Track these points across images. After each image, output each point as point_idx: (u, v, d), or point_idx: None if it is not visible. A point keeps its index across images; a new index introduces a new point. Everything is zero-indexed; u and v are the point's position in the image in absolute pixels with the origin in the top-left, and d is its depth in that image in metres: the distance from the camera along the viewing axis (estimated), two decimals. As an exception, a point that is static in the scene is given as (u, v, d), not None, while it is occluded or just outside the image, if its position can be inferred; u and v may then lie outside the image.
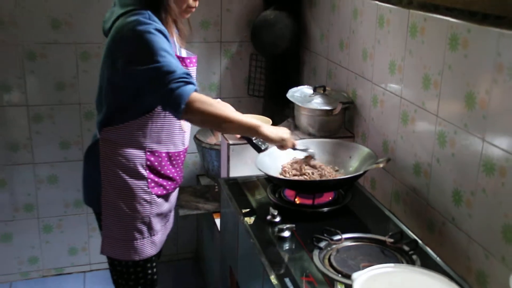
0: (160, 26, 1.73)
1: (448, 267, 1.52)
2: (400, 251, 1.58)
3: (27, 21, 2.66)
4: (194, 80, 1.72)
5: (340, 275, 1.46)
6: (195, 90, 1.67)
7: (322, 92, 2.37)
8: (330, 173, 1.96)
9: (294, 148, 1.93)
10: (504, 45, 1.45)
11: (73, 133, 2.90)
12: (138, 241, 1.91)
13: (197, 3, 1.85)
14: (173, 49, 1.79)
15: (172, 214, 2.12)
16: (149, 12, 1.74)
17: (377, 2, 2.11)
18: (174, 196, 2.07)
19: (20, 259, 3.02)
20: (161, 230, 2.00)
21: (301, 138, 2.26)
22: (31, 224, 2.98)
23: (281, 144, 1.87)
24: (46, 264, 3.07)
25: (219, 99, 2.09)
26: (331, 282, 1.43)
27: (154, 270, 2.05)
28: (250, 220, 1.79)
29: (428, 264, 1.52)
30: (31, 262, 3.04)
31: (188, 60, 1.89)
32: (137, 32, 1.68)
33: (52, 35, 2.71)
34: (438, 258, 1.56)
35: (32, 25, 2.68)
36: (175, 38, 1.89)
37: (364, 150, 2.02)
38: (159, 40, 1.68)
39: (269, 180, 1.96)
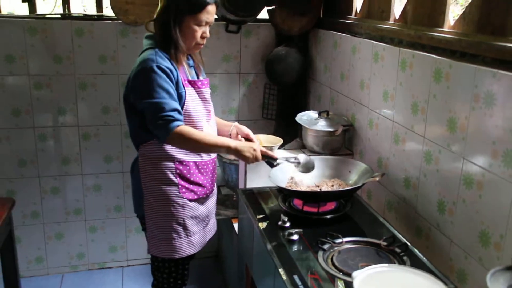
0: (166, 63, 1.75)
1: (433, 267, 1.51)
2: (392, 253, 1.57)
3: (81, 57, 2.70)
4: (180, 116, 1.75)
5: (341, 273, 1.45)
6: (179, 125, 1.72)
7: (326, 116, 2.37)
8: (341, 184, 1.97)
9: (271, 159, 1.88)
10: (479, 78, 1.46)
11: (115, 149, 2.92)
12: (176, 240, 1.91)
13: (204, 41, 1.85)
14: (183, 77, 1.82)
15: (213, 221, 2.10)
16: (157, 50, 1.77)
17: (372, 41, 2.12)
18: (211, 202, 2.05)
19: (70, 254, 3.03)
20: (199, 233, 1.98)
21: (308, 155, 2.26)
22: (79, 225, 2.99)
23: (253, 155, 1.82)
24: (91, 259, 3.08)
25: (236, 123, 2.11)
26: (334, 279, 1.43)
27: (187, 267, 2.04)
28: (263, 225, 1.79)
29: (416, 264, 1.51)
30: (79, 257, 3.05)
31: (200, 83, 1.90)
32: (142, 69, 1.73)
33: (100, 68, 2.75)
34: (425, 259, 1.55)
35: (84, 60, 2.71)
36: (186, 67, 1.88)
37: (362, 166, 2.01)
38: (157, 78, 1.72)
39: (280, 191, 1.96)
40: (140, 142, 1.88)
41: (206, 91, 1.93)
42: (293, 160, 1.95)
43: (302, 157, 1.97)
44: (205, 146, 1.79)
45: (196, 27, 1.78)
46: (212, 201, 2.06)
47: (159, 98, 1.70)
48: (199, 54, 1.98)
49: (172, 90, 1.75)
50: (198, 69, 1.97)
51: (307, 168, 1.96)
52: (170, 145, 1.80)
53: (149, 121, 1.75)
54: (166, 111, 1.70)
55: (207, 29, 1.83)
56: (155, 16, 1.83)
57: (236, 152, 1.81)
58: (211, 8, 1.78)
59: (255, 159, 1.84)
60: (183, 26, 1.78)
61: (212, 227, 2.10)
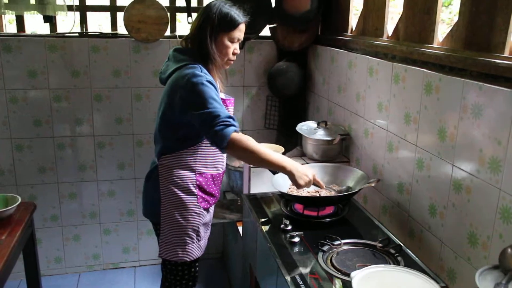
0: (209, 77, 1.73)
1: (425, 266, 1.51)
2: (387, 254, 1.57)
3: (96, 72, 2.72)
4: (235, 122, 1.69)
5: (340, 273, 1.45)
6: (235, 131, 1.65)
7: (324, 126, 2.37)
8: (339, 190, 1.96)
9: (317, 187, 1.80)
10: (467, 90, 1.47)
11: (127, 157, 2.92)
12: (189, 245, 1.90)
13: (235, 57, 1.86)
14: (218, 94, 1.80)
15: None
16: (201, 66, 1.75)
17: (367, 56, 2.12)
18: (212, 208, 2.05)
19: (86, 255, 3.03)
20: (204, 237, 1.99)
21: (307, 163, 2.26)
22: (94, 228, 3.00)
23: (306, 183, 1.71)
24: (105, 260, 3.08)
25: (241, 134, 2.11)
26: (333, 278, 1.43)
27: (197, 268, 2.04)
28: (266, 228, 1.79)
29: (409, 264, 1.51)
30: (94, 258, 3.05)
31: (228, 101, 1.90)
32: (193, 83, 1.69)
33: (114, 82, 2.77)
34: (417, 259, 1.55)
35: (99, 74, 2.73)
36: (218, 83, 1.87)
37: (358, 172, 2.00)
38: (209, 90, 1.68)
39: (282, 196, 1.95)
40: (165, 153, 1.85)
41: (231, 110, 1.93)
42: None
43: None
44: (261, 159, 1.68)
45: (229, 44, 1.80)
46: (213, 207, 2.06)
47: (214, 107, 1.66)
48: (225, 72, 1.96)
49: (221, 101, 1.73)
50: (222, 87, 1.96)
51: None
52: (228, 153, 1.71)
53: (206, 131, 1.67)
54: (221, 118, 1.65)
55: (237, 46, 1.84)
56: (190, 33, 1.82)
57: (291, 176, 1.70)
58: (242, 27, 1.81)
59: (306, 186, 1.75)
60: (218, 42, 1.78)
61: (209, 230, 2.11)
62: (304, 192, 1.97)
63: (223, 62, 1.84)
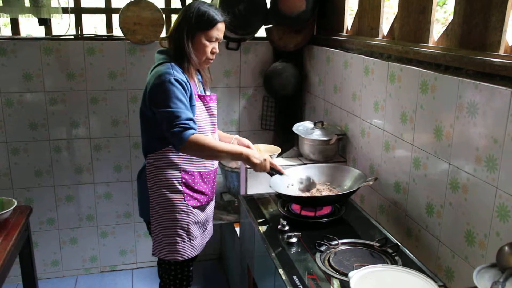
0: (180, 76, 1.76)
1: (423, 265, 1.51)
2: (385, 253, 1.57)
3: (92, 74, 2.72)
4: (195, 125, 1.74)
5: (337, 273, 1.45)
6: (193, 134, 1.70)
7: (320, 126, 2.37)
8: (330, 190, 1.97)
9: (278, 173, 1.88)
10: (463, 89, 1.47)
11: (124, 159, 2.92)
12: (180, 244, 1.91)
13: (214, 56, 1.87)
14: (194, 91, 1.83)
15: (210, 225, 2.10)
16: (172, 64, 1.78)
17: (363, 56, 2.13)
18: (210, 208, 2.05)
19: (83, 258, 3.02)
20: (200, 237, 1.98)
21: (304, 163, 2.26)
22: (91, 231, 2.99)
23: (262, 163, 1.81)
24: (103, 262, 3.07)
25: (237, 135, 2.12)
26: (331, 279, 1.43)
27: (191, 268, 2.04)
28: (264, 228, 1.79)
29: (407, 263, 1.51)
30: (91, 261, 3.04)
31: (209, 98, 1.92)
32: (161, 80, 1.73)
33: (109, 84, 2.76)
34: (415, 258, 1.55)
35: (95, 77, 2.73)
36: (196, 81, 1.89)
37: (356, 172, 2.00)
38: (175, 89, 1.72)
39: (279, 196, 1.96)
40: (150, 152, 1.88)
41: (213, 106, 1.94)
42: (298, 179, 1.98)
43: (305, 179, 2.00)
44: (219, 153, 1.77)
45: (207, 43, 1.81)
46: (211, 207, 2.06)
47: (176, 108, 1.71)
48: (208, 71, 1.99)
49: (187, 101, 1.76)
50: (206, 84, 1.98)
51: (307, 188, 2.00)
52: (184, 153, 1.79)
53: (166, 129, 1.73)
54: (181, 119, 1.70)
55: (216, 45, 1.86)
56: (169, 33, 1.86)
57: (247, 158, 1.78)
58: (221, 26, 1.82)
59: (263, 168, 1.82)
60: (195, 41, 1.80)
61: (210, 231, 2.11)
62: (306, 193, 1.96)
63: (201, 61, 1.86)
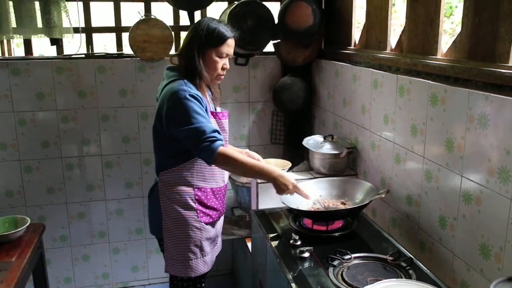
0: (194, 91, 1.76)
1: (437, 279, 1.49)
2: (398, 267, 1.56)
3: (103, 92, 2.76)
4: (221, 136, 1.74)
5: (351, 288, 1.45)
6: (222, 145, 1.71)
7: (330, 139, 2.37)
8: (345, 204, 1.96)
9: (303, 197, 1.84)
10: (473, 101, 1.47)
11: (135, 176, 2.93)
12: (193, 261, 1.90)
13: (225, 72, 1.89)
14: (208, 107, 1.83)
15: (219, 239, 2.09)
16: (185, 80, 1.79)
17: (371, 69, 2.13)
18: (219, 224, 2.05)
19: (96, 274, 3.03)
20: (211, 252, 1.99)
21: (315, 177, 2.26)
22: (103, 247, 3.00)
23: (291, 192, 1.78)
24: (115, 279, 3.07)
25: (247, 149, 2.12)
26: (344, 293, 1.42)
27: (203, 284, 2.03)
28: (276, 243, 1.78)
29: (422, 277, 1.49)
30: (104, 277, 3.04)
31: (221, 114, 1.93)
32: (177, 97, 1.73)
33: (120, 101, 2.80)
34: (429, 272, 1.54)
35: (106, 94, 2.76)
36: (208, 98, 1.89)
37: (367, 185, 2.00)
38: (192, 104, 1.72)
39: (291, 211, 1.95)
40: (162, 169, 1.88)
41: (225, 123, 1.95)
42: (318, 205, 1.96)
43: (324, 203, 1.99)
44: (248, 170, 1.76)
45: (218, 59, 1.83)
46: (220, 222, 2.06)
47: (198, 123, 1.70)
48: (218, 87, 2.00)
49: (206, 114, 1.77)
50: (216, 101, 1.99)
51: (322, 204, 1.99)
52: (216, 166, 1.78)
53: (193, 146, 1.73)
54: (207, 133, 1.70)
55: (227, 61, 1.87)
56: (179, 50, 1.87)
57: (276, 180, 1.76)
58: (231, 42, 1.84)
59: (288, 193, 1.79)
60: (206, 58, 1.82)
61: (219, 246, 2.10)
62: (317, 207, 1.95)
63: (212, 78, 1.87)
